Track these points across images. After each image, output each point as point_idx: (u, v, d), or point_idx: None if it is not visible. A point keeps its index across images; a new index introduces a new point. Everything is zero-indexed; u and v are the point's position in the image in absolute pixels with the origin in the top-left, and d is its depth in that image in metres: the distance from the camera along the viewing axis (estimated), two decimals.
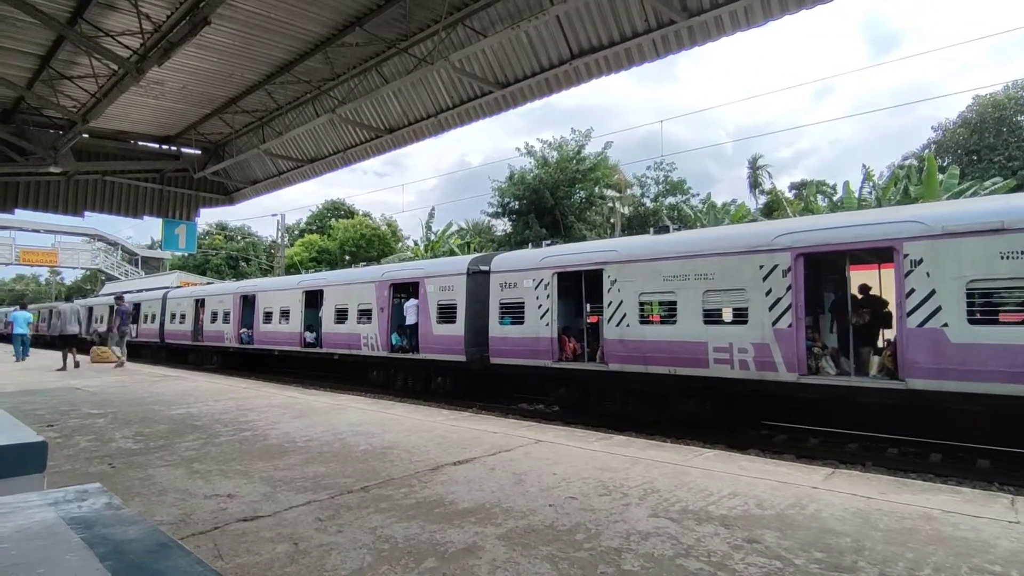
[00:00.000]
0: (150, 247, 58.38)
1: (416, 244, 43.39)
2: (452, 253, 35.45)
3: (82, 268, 54.27)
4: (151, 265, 54.66)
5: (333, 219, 54.26)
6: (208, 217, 61.75)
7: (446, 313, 14.10)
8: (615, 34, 9.61)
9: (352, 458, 5.59)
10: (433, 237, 39.88)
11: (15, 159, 13.60)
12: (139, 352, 26.60)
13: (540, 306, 12.16)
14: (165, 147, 16.55)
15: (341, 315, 17.02)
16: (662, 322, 10.27)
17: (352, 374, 17.80)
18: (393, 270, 16.70)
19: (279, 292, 19.81)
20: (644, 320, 10.54)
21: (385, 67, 11.72)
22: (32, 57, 11.20)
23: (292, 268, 42.26)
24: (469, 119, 12.56)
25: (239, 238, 58.77)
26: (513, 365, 12.66)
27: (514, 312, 12.72)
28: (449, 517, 3.87)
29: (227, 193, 18.76)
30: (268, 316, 19.85)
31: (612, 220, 36.49)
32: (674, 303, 10.09)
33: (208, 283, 37.75)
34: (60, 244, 49.29)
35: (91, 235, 51.48)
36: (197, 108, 14.17)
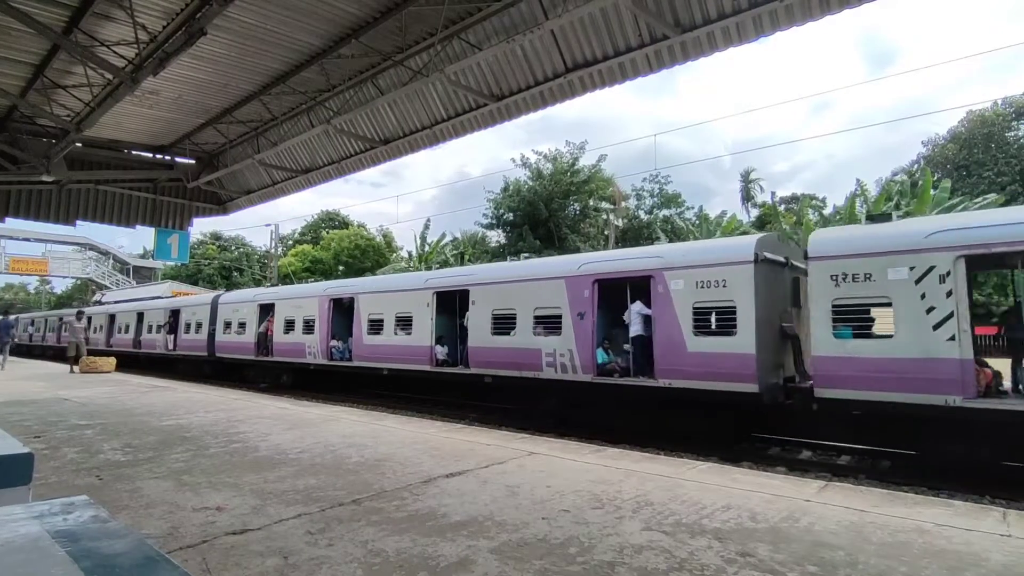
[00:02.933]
0: (142, 256, 58.05)
1: (411, 255, 43.38)
2: (446, 264, 35.44)
3: (73, 277, 53.86)
4: (143, 275, 54.30)
5: (327, 230, 54.23)
6: (201, 227, 61.52)
7: (714, 321, 9.49)
8: (609, 48, 9.72)
9: (344, 470, 5.54)
10: (427, 248, 39.89)
11: (7, 168, 13.54)
12: (173, 367, 23.65)
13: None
14: (159, 156, 16.54)
15: (503, 323, 12.30)
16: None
17: (515, 401, 12.67)
18: (597, 259, 11.58)
19: (395, 295, 15.18)
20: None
21: (381, 79, 11.79)
22: (26, 66, 11.19)
23: (286, 278, 42.10)
24: (464, 131, 12.64)
25: (233, 248, 58.56)
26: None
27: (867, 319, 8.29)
28: (441, 530, 3.84)
29: (221, 203, 18.74)
30: (376, 325, 15.23)
31: (606, 232, 36.63)
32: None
33: (196, 291, 37.11)
34: (51, 253, 48.92)
35: (82, 244, 51.14)
36: (191, 118, 14.18)
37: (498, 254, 35.57)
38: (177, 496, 4.64)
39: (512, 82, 11.03)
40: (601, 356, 10.87)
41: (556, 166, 35.06)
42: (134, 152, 16.23)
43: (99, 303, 36.25)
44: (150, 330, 25.33)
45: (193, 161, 16.88)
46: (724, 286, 9.32)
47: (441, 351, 13.76)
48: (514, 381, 11.84)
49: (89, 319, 27.27)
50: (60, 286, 75.46)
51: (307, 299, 17.59)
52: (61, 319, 34.26)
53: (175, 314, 23.87)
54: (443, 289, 13.89)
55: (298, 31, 10.22)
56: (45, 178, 13.76)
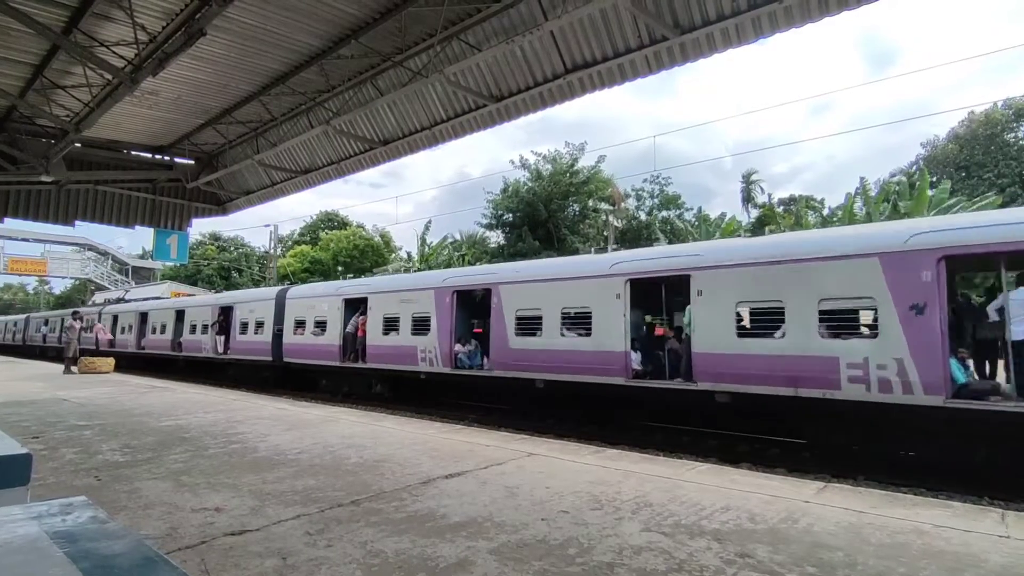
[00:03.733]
0: (141, 257, 58.01)
1: (410, 255, 43.36)
2: (449, 264, 35.42)
3: (72, 278, 53.81)
4: (142, 275, 54.28)
5: (326, 230, 54.19)
6: (200, 227, 61.48)
7: None
8: (608, 50, 9.73)
9: (343, 471, 5.53)
10: (427, 249, 39.89)
11: (6, 168, 13.53)
12: (221, 373, 20.37)
13: None
14: (158, 157, 16.53)
15: (765, 323, 9.03)
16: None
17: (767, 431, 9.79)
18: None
19: (561, 284, 11.38)
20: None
21: (380, 79, 11.80)
22: (26, 66, 11.19)
23: (284, 279, 42.08)
24: (464, 132, 12.64)
25: (232, 248, 58.53)
26: None
27: None
28: (440, 531, 3.83)
29: (220, 203, 18.73)
30: (527, 324, 11.74)
31: (605, 233, 36.65)
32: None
33: (191, 291, 35.84)
34: (50, 253, 48.87)
35: (81, 244, 51.09)
36: (191, 118, 14.18)
37: (498, 255, 35.59)
38: (176, 497, 4.64)
39: (512, 83, 11.04)
40: (959, 372, 7.52)
41: (555, 167, 35.06)
42: (133, 152, 16.22)
43: (122, 300, 32.98)
44: (193, 330, 22.12)
45: (192, 161, 16.87)
46: None
47: (636, 358, 10.45)
48: (778, 402, 8.66)
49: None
50: (59, 286, 75.43)
51: (418, 292, 14.08)
52: (62, 320, 33.45)
53: (227, 312, 20.65)
54: (641, 276, 10.25)
55: (297, 32, 10.22)
56: (44, 178, 13.75)
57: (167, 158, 16.64)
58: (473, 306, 13.79)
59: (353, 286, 16.93)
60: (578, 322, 11.00)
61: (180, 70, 11.19)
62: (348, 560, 3.33)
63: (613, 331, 10.35)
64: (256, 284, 47.96)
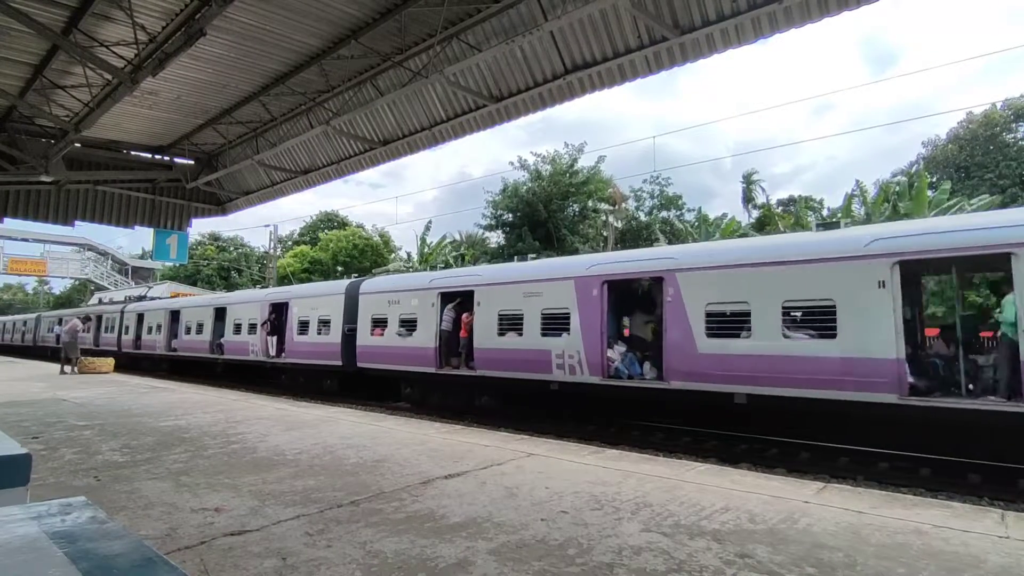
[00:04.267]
0: (141, 257, 58.02)
1: (409, 255, 43.36)
2: (448, 264, 35.41)
3: (71, 278, 53.83)
4: (141, 275, 54.34)
5: (325, 231, 54.19)
6: (200, 227, 61.46)
7: None
8: (608, 50, 9.73)
9: (342, 471, 5.53)
10: (427, 250, 39.89)
11: (6, 168, 13.52)
12: (269, 379, 18.43)
13: None
14: (158, 157, 16.52)
15: None
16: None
17: None
18: None
19: (775, 270, 9.00)
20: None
21: (380, 80, 11.79)
22: (25, 66, 11.18)
23: (284, 279, 42.07)
24: (463, 132, 12.64)
25: (231, 249, 58.54)
26: None
27: None
28: (440, 531, 3.83)
29: (220, 203, 18.72)
30: (723, 322, 9.45)
31: (605, 233, 36.65)
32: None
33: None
34: (49, 253, 48.90)
35: (81, 245, 51.12)
36: (191, 118, 14.17)
37: (498, 255, 35.58)
38: (175, 497, 4.64)
39: (511, 83, 11.04)
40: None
41: (555, 167, 35.07)
42: (133, 152, 16.20)
43: (143, 298, 30.69)
44: (237, 330, 19.65)
45: (192, 162, 16.86)
46: None
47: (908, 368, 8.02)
48: None
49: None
50: (59, 287, 75.40)
51: (550, 283, 11.55)
52: (87, 317, 30.72)
53: (280, 309, 18.19)
54: (915, 255, 7.97)
55: (297, 32, 10.21)
56: (44, 178, 13.75)
57: (167, 158, 16.63)
58: (625, 301, 11.40)
59: (452, 277, 14.17)
60: (815, 319, 8.58)
61: (180, 70, 11.18)
62: (347, 560, 3.33)
63: (874, 331, 7.95)
64: (256, 284, 47.96)
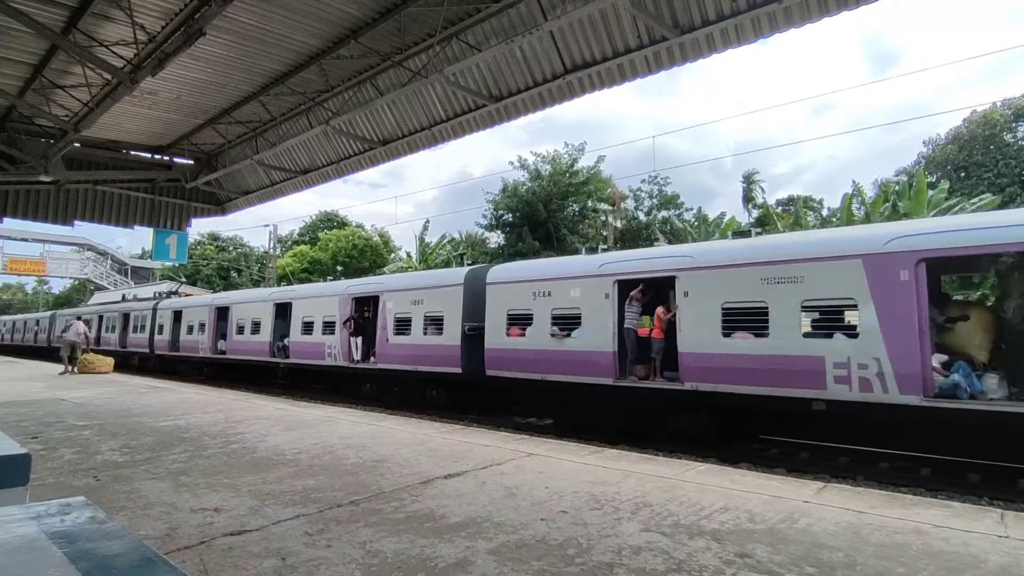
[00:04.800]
0: (140, 257, 58.01)
1: (409, 255, 43.36)
2: (447, 264, 35.42)
3: (71, 278, 53.81)
4: (141, 275, 54.32)
5: (325, 230, 54.17)
6: (200, 227, 61.45)
7: None
8: (608, 50, 9.73)
9: (342, 471, 5.53)
10: (427, 249, 39.91)
11: (5, 168, 13.52)
12: (344, 389, 15.93)
13: None
14: (157, 157, 16.52)
15: None
16: None
17: None
18: None
19: None
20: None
21: (379, 79, 11.79)
22: (24, 66, 11.18)
23: (284, 279, 42.06)
24: (463, 132, 12.64)
25: (231, 248, 58.52)
26: None
27: None
28: (439, 531, 3.83)
29: (219, 203, 18.72)
30: None
31: (605, 233, 36.67)
32: None
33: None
34: (49, 253, 48.91)
35: (80, 244, 51.12)
36: (190, 118, 14.17)
37: (497, 255, 35.58)
38: (175, 497, 4.64)
39: (511, 83, 11.04)
40: None
41: (554, 167, 35.09)
42: (132, 152, 16.20)
43: (175, 294, 28.60)
44: (307, 330, 16.95)
45: (192, 161, 16.86)
46: None
47: None
48: None
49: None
50: (58, 286, 75.38)
51: (819, 264, 8.52)
52: (101, 317, 29.72)
53: (367, 304, 15.57)
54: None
55: (297, 32, 10.21)
56: (43, 178, 13.74)
57: (166, 158, 16.63)
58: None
59: (635, 260, 10.97)
60: None
61: (179, 70, 11.18)
62: (347, 560, 3.33)
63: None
64: (255, 284, 47.93)
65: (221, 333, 20.68)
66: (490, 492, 4.83)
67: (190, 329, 22.22)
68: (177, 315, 23.35)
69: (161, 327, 24.19)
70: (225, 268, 54.03)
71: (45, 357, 29.91)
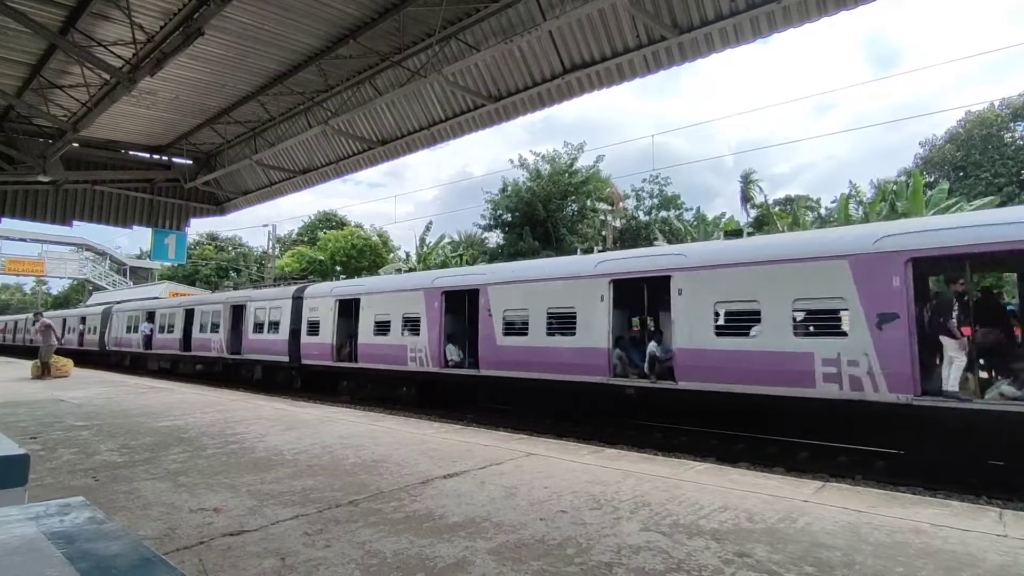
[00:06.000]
0: (139, 257, 57.94)
1: (408, 255, 43.37)
2: (446, 264, 35.42)
3: (69, 278, 53.74)
4: (139, 275, 54.21)
5: (324, 230, 54.14)
6: (198, 227, 61.39)
7: None
8: (607, 49, 9.74)
9: (341, 471, 5.53)
10: (426, 249, 39.91)
11: (3, 168, 13.50)
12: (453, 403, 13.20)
13: None
14: (156, 157, 16.51)
15: None
16: None
17: None
18: None
19: None
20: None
21: (378, 79, 11.79)
22: (23, 66, 11.16)
23: (282, 279, 42.02)
24: (462, 132, 12.64)
25: (230, 248, 58.47)
26: None
27: None
28: (439, 531, 3.83)
29: (218, 203, 18.71)
30: None
31: (604, 233, 36.68)
32: None
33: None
34: (47, 253, 48.81)
35: (79, 245, 51.03)
36: (189, 118, 14.16)
37: (497, 255, 35.57)
38: (174, 497, 4.63)
39: (510, 83, 11.04)
40: None
41: (554, 167, 35.10)
42: (131, 152, 16.19)
43: (232, 287, 26.65)
44: (382, 330, 14.57)
45: (190, 161, 16.84)
46: None
47: None
48: None
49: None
50: (56, 287, 75.23)
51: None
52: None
53: (459, 300, 13.14)
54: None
55: (296, 31, 10.20)
56: (42, 178, 13.72)
57: (165, 158, 16.61)
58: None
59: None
60: None
61: (178, 70, 11.17)
62: (346, 560, 3.33)
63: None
64: (255, 284, 47.86)
65: (298, 333, 17.14)
66: (489, 492, 4.83)
67: (255, 329, 18.68)
68: (238, 310, 19.60)
69: (227, 323, 19.74)
70: (224, 268, 54.02)
71: (103, 365, 28.61)
